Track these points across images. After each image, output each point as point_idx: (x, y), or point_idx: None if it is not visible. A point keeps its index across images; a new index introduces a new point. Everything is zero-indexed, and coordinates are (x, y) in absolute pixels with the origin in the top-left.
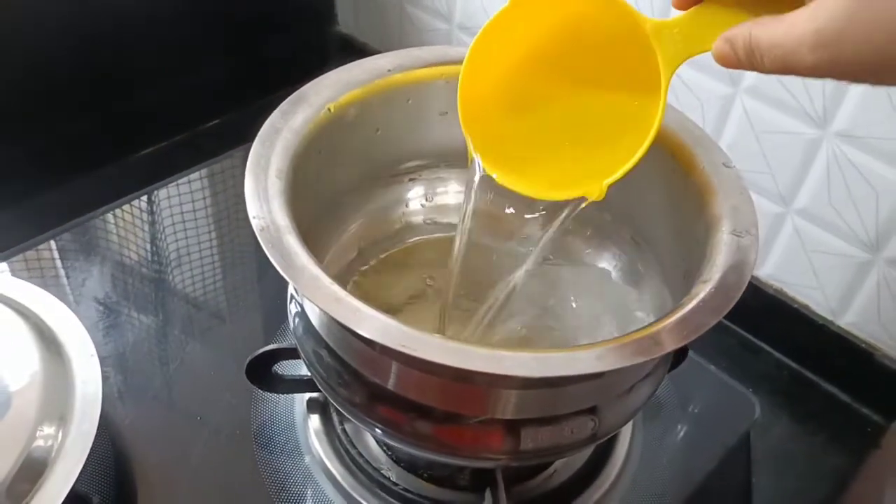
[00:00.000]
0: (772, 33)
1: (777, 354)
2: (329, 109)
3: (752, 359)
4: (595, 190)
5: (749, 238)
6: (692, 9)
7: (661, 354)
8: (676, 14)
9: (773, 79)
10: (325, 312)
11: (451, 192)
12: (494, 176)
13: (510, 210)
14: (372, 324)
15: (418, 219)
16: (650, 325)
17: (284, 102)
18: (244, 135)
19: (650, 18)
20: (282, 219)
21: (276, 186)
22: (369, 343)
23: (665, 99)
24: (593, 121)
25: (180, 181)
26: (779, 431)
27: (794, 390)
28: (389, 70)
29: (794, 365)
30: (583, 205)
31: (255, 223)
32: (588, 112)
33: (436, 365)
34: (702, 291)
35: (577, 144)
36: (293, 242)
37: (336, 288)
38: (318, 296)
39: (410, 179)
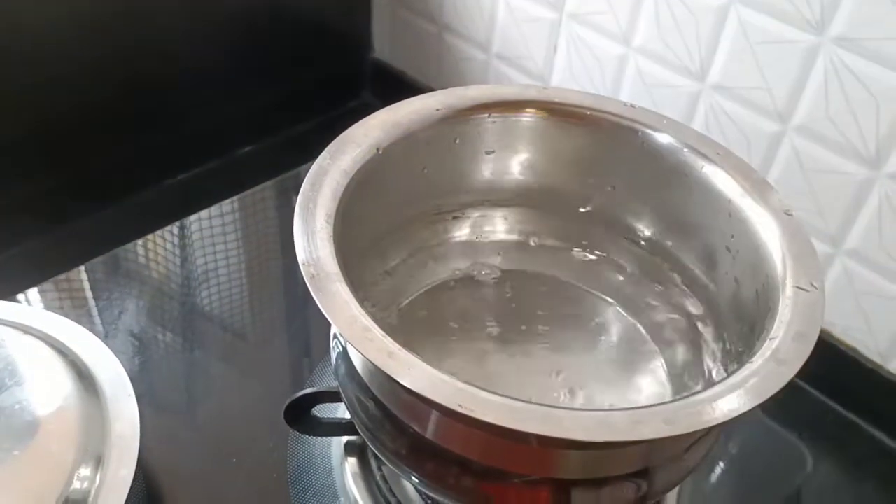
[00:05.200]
0: None
1: (822, 397)
2: (377, 150)
3: (796, 401)
4: None
5: (814, 292)
6: None
7: (732, 418)
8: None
9: (822, 115)
10: (377, 366)
11: (496, 230)
12: None
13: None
14: (426, 381)
15: (462, 255)
16: (718, 383)
17: (333, 143)
18: (278, 161)
19: None
20: (331, 265)
21: (325, 231)
22: (419, 396)
23: None
24: None
25: (213, 209)
26: (824, 477)
27: (840, 435)
28: (438, 109)
29: (840, 409)
30: None
31: (305, 270)
32: None
33: (493, 425)
34: (769, 349)
35: None
36: (343, 291)
37: (389, 341)
38: (370, 349)
39: (454, 217)
